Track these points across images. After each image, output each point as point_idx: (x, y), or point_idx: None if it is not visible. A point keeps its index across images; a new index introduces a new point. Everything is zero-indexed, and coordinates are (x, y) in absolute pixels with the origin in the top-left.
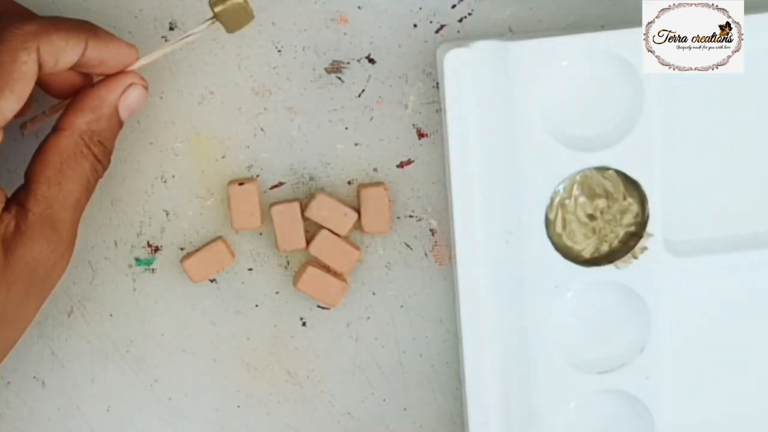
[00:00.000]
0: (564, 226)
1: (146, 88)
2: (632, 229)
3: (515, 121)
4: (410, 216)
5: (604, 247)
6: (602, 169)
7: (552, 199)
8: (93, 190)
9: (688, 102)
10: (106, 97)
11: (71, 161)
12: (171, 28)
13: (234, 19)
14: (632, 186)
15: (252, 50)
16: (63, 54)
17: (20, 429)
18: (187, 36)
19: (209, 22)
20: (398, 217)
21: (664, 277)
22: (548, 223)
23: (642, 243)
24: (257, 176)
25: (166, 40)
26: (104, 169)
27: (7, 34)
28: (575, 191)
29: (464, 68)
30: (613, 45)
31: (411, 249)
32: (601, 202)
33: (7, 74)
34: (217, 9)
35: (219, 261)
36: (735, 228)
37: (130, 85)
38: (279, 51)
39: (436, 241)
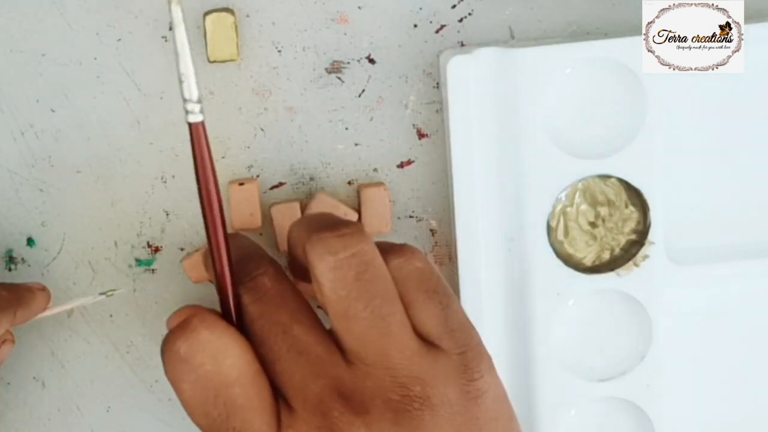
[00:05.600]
0: (566, 234)
1: (14, 342)
2: (634, 236)
3: (518, 129)
4: (410, 216)
5: (606, 255)
6: (604, 177)
7: (554, 207)
8: None
9: (691, 111)
10: None
11: None
12: (171, 29)
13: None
14: (634, 194)
15: (252, 50)
16: None
17: (20, 429)
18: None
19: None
20: (398, 218)
21: (665, 285)
22: (550, 231)
23: (643, 251)
24: (257, 176)
25: (166, 41)
26: None
27: None
28: (577, 199)
29: (467, 75)
30: (616, 53)
31: None
32: (603, 210)
33: None
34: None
35: None
36: (737, 236)
37: (4, 341)
38: (279, 51)
39: (436, 242)
